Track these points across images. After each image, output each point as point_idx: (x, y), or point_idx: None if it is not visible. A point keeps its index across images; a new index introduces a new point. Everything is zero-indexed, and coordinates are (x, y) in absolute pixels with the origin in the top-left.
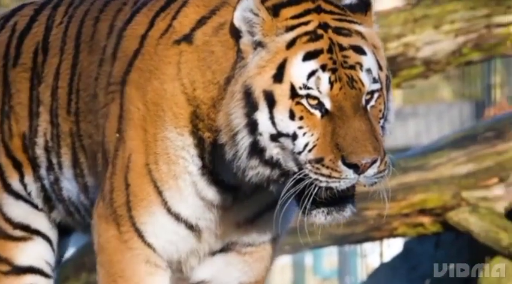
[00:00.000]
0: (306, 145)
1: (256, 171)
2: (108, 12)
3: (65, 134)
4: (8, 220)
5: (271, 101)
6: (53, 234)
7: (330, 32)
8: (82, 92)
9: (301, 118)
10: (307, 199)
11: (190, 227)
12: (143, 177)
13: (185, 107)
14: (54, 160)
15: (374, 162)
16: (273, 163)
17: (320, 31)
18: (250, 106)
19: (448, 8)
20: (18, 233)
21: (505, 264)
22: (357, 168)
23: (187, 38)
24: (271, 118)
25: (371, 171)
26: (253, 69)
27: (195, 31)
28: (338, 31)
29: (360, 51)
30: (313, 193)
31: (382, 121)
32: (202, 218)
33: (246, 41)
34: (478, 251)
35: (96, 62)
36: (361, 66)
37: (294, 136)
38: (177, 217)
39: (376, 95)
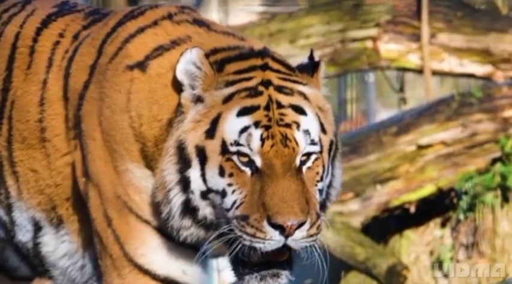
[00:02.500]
0: (234, 202)
1: (190, 232)
2: (44, 43)
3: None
4: None
5: (203, 157)
6: None
7: (271, 89)
8: (17, 123)
9: (230, 175)
10: (233, 259)
11: (190, 246)
12: (122, 209)
13: (134, 143)
14: None
15: (301, 224)
16: (207, 225)
17: (261, 88)
18: (183, 162)
19: (303, 22)
20: None
21: (360, 279)
22: (282, 230)
23: (141, 65)
24: (203, 175)
25: (299, 234)
26: (188, 124)
27: (150, 60)
28: (279, 89)
29: (299, 110)
30: (237, 250)
31: (320, 184)
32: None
33: (187, 95)
34: (334, 266)
35: (34, 96)
36: (298, 125)
37: (223, 193)
38: (171, 238)
39: (313, 157)
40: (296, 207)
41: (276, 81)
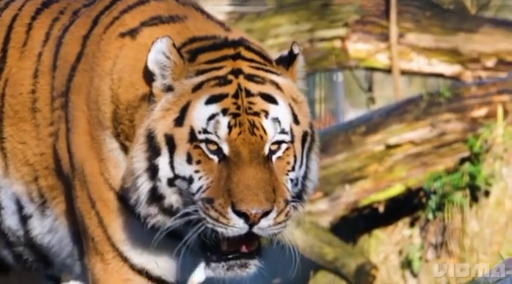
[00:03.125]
0: (200, 187)
1: (156, 219)
2: (43, 20)
3: None
4: None
5: (171, 145)
6: None
7: (241, 78)
8: (10, 98)
9: (198, 162)
10: (202, 246)
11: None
12: (103, 188)
13: (109, 105)
14: None
15: (266, 213)
16: (173, 213)
17: (230, 76)
18: (153, 150)
19: (271, 22)
20: None
21: (329, 278)
22: (247, 218)
23: (133, 32)
24: (171, 162)
25: (265, 223)
26: (157, 113)
27: (144, 27)
28: (250, 78)
29: (269, 99)
30: (199, 231)
31: (292, 174)
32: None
33: (158, 84)
34: (303, 265)
35: (28, 70)
36: (266, 113)
37: (190, 180)
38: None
39: (284, 146)
40: (261, 195)
41: (247, 70)
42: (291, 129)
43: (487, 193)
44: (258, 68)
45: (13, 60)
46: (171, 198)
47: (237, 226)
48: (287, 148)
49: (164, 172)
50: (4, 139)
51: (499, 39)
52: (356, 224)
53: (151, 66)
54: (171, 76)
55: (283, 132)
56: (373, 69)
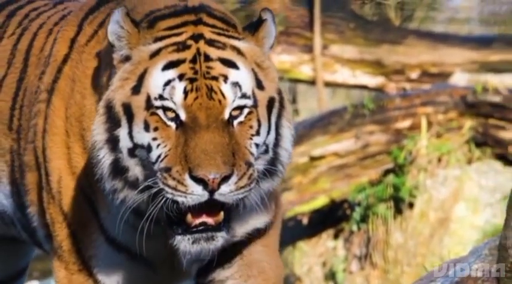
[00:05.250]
0: (159, 156)
1: (123, 195)
2: (62, 24)
3: (4, 150)
4: None
5: (129, 114)
6: None
7: (201, 43)
8: (26, 108)
9: (155, 129)
10: (168, 219)
11: (134, 256)
12: (80, 204)
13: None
14: None
15: (226, 178)
16: (138, 186)
17: (190, 42)
18: (112, 121)
19: None
20: None
21: None
22: (205, 184)
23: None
24: (130, 132)
25: (225, 188)
26: (115, 82)
27: None
28: (210, 43)
29: (228, 64)
30: (160, 204)
31: (257, 138)
32: (142, 245)
33: (117, 55)
34: None
35: (38, 75)
36: (225, 78)
37: (149, 148)
38: (114, 244)
39: (245, 111)
40: (219, 159)
41: (208, 35)
42: (254, 94)
43: (411, 205)
44: (219, 34)
45: (32, 69)
46: (135, 169)
47: (195, 193)
48: (249, 113)
49: (124, 142)
50: (21, 155)
51: (423, 51)
52: (280, 236)
53: (111, 38)
54: (127, 45)
55: (244, 96)
56: (297, 81)
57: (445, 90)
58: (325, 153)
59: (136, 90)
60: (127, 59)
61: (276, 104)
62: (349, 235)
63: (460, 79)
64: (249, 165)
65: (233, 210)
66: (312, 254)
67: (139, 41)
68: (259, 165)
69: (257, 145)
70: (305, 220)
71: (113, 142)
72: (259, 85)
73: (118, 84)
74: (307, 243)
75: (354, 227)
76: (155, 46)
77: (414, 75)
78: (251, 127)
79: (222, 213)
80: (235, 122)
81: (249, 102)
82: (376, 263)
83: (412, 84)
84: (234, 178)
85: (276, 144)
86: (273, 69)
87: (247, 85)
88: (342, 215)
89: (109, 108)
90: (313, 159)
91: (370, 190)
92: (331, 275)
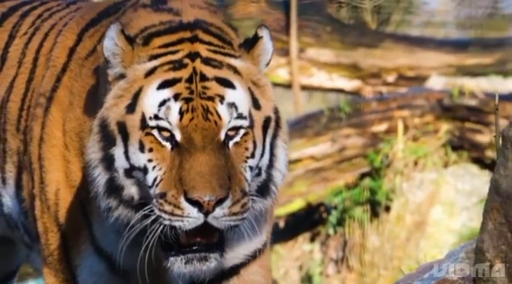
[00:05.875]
0: (155, 179)
1: (118, 213)
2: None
3: (12, 151)
4: None
5: (124, 133)
6: None
7: (197, 61)
8: (32, 109)
9: (150, 150)
10: (162, 241)
11: (114, 267)
12: (76, 216)
13: None
14: None
15: (220, 201)
16: (135, 205)
17: (186, 60)
18: (106, 140)
19: None
20: None
21: None
22: (200, 206)
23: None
24: (126, 152)
25: (219, 211)
26: (110, 100)
27: None
28: (207, 62)
29: (225, 83)
30: (158, 232)
31: (251, 161)
32: (125, 257)
33: (111, 72)
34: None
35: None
36: (221, 98)
37: (145, 170)
38: (100, 253)
39: (241, 132)
40: (214, 181)
41: (205, 54)
42: (250, 114)
43: (387, 208)
44: (215, 51)
45: (40, 69)
46: (131, 189)
47: (191, 215)
48: (245, 134)
49: (120, 162)
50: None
51: (399, 55)
52: None
53: (106, 54)
54: (121, 63)
55: (240, 117)
56: (273, 84)
57: (421, 94)
58: (301, 157)
59: (131, 108)
60: (122, 76)
61: (272, 124)
62: (325, 238)
63: (436, 82)
64: (244, 193)
65: (228, 232)
66: (288, 258)
67: (133, 59)
68: (252, 187)
69: (251, 168)
70: (281, 224)
71: (107, 161)
72: (256, 104)
73: (112, 102)
74: (283, 246)
75: (331, 231)
76: (150, 64)
77: (391, 78)
78: (246, 149)
79: (216, 234)
80: (231, 143)
81: (245, 123)
82: (352, 267)
83: (389, 88)
84: (228, 202)
85: (270, 165)
86: (269, 87)
87: (244, 106)
88: (319, 218)
89: (103, 127)
90: (289, 162)
91: (346, 194)
92: (307, 279)
